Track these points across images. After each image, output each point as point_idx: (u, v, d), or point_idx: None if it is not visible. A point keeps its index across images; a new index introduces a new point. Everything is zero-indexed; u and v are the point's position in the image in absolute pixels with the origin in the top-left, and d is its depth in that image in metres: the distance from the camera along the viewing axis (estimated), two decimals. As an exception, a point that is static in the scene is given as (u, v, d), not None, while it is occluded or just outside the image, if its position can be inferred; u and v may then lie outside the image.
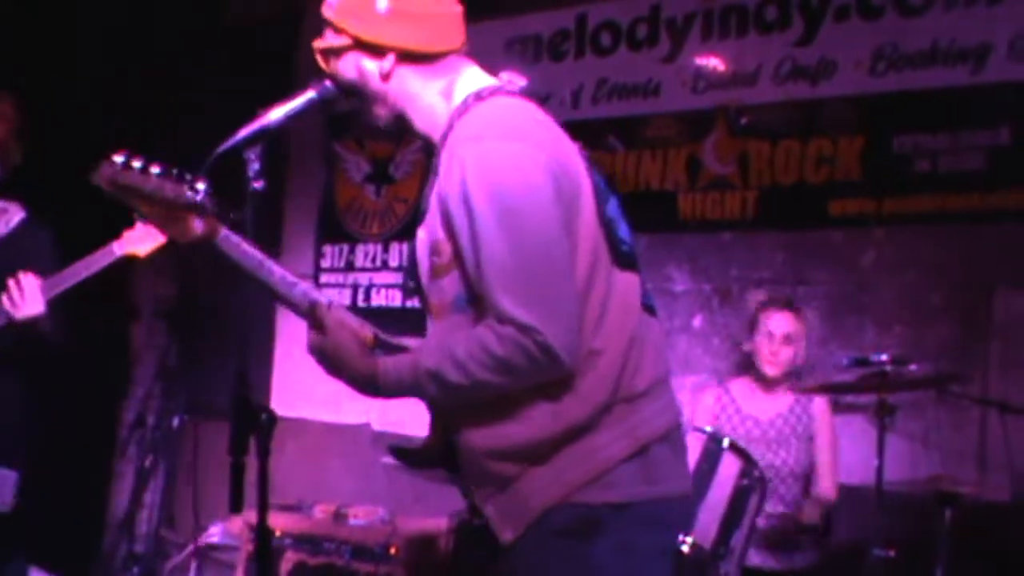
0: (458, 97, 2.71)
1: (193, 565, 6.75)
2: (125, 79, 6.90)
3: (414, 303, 6.75)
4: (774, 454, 4.82)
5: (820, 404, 4.97)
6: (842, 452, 5.05)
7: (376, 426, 6.80)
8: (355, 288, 6.98)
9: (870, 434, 4.77)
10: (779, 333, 4.92)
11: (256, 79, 7.41)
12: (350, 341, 2.66)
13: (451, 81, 2.74)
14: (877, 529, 4.52)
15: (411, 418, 6.52)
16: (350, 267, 7.02)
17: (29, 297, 3.94)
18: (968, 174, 5.10)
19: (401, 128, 2.81)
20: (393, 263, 6.83)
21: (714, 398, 5.09)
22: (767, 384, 5.01)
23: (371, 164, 7.00)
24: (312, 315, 2.73)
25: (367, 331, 2.76)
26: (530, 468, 2.55)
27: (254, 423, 2.73)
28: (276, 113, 2.81)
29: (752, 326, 5.06)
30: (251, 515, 5.44)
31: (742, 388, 5.11)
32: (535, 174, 2.46)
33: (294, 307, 2.78)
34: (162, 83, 7.29)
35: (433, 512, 5.67)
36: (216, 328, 7.21)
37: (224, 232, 2.74)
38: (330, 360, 2.67)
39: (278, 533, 5.57)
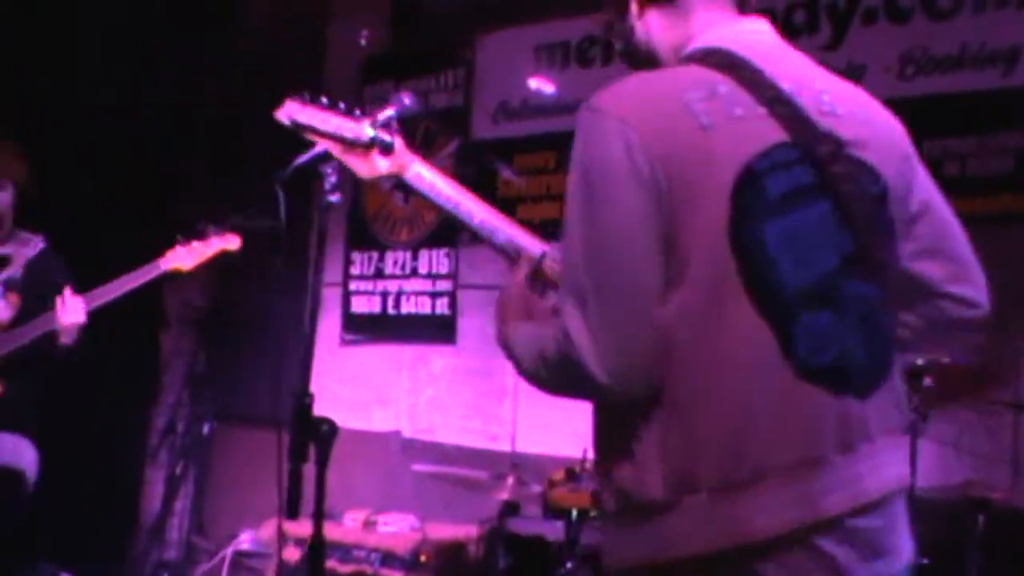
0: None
1: (224, 572, 6.76)
2: (149, 86, 6.92)
3: (443, 310, 6.83)
4: None
5: None
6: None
7: (406, 433, 6.83)
8: (384, 295, 6.99)
9: (901, 440, 4.74)
10: None
11: (282, 86, 7.46)
12: (518, 298, 2.45)
13: (686, 35, 2.28)
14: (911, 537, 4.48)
15: (441, 425, 6.64)
16: (379, 274, 7.03)
17: (72, 307, 4.43)
18: (998, 177, 5.06)
19: None
20: (422, 270, 6.83)
21: None
22: None
23: (399, 171, 6.95)
24: (514, 260, 2.57)
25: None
26: (611, 514, 2.14)
27: (314, 432, 2.75)
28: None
29: None
30: (284, 522, 5.48)
31: None
32: (608, 148, 2.04)
33: (498, 250, 2.64)
34: (187, 90, 7.32)
35: (462, 519, 5.67)
36: (246, 335, 7.25)
37: (415, 168, 2.66)
38: (497, 307, 2.47)
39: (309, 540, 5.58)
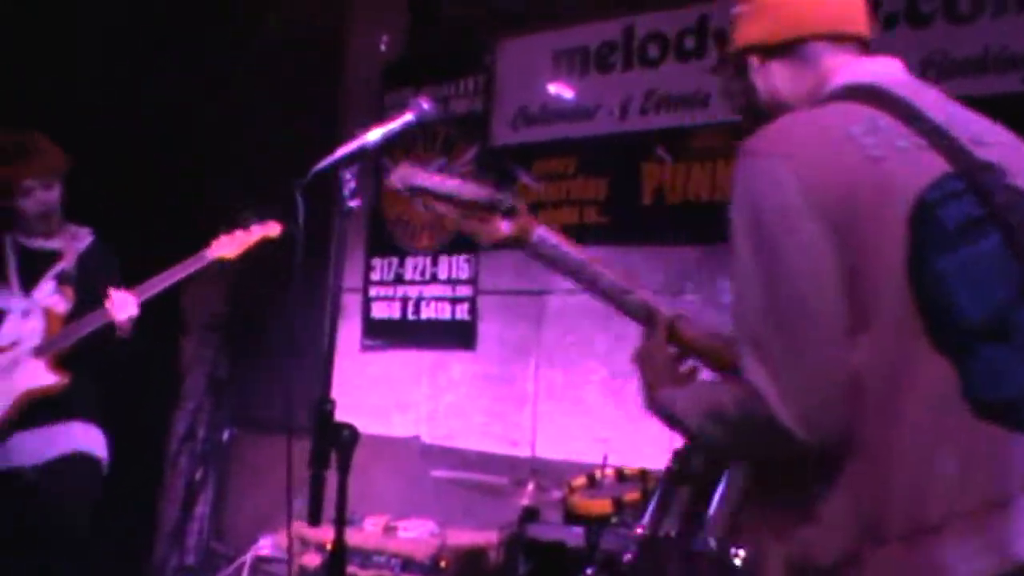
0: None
1: (243, 577, 6.77)
2: (166, 91, 6.95)
3: (463, 316, 6.84)
4: None
5: None
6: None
7: (425, 439, 6.84)
8: (404, 301, 6.99)
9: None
10: None
11: (303, 93, 7.48)
12: (663, 360, 2.43)
13: (819, 79, 2.27)
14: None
15: (461, 430, 6.64)
16: (399, 280, 7.03)
17: (122, 303, 4.56)
18: (1022, 183, 5.03)
19: None
20: (442, 276, 6.83)
21: None
22: None
23: (419, 177, 6.95)
24: (649, 323, 2.54)
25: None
26: None
27: (335, 438, 2.77)
28: (374, 135, 2.90)
29: None
30: (302, 528, 5.49)
31: None
32: (776, 187, 2.00)
33: (629, 314, 2.61)
34: (207, 97, 7.34)
35: (482, 525, 5.67)
36: (266, 341, 7.26)
37: (539, 233, 2.58)
38: (640, 369, 2.44)
39: (328, 546, 5.58)
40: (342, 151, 2.92)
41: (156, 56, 6.89)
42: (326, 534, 5.40)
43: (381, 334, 7.11)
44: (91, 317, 4.63)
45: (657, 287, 5.95)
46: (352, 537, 5.56)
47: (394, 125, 3.00)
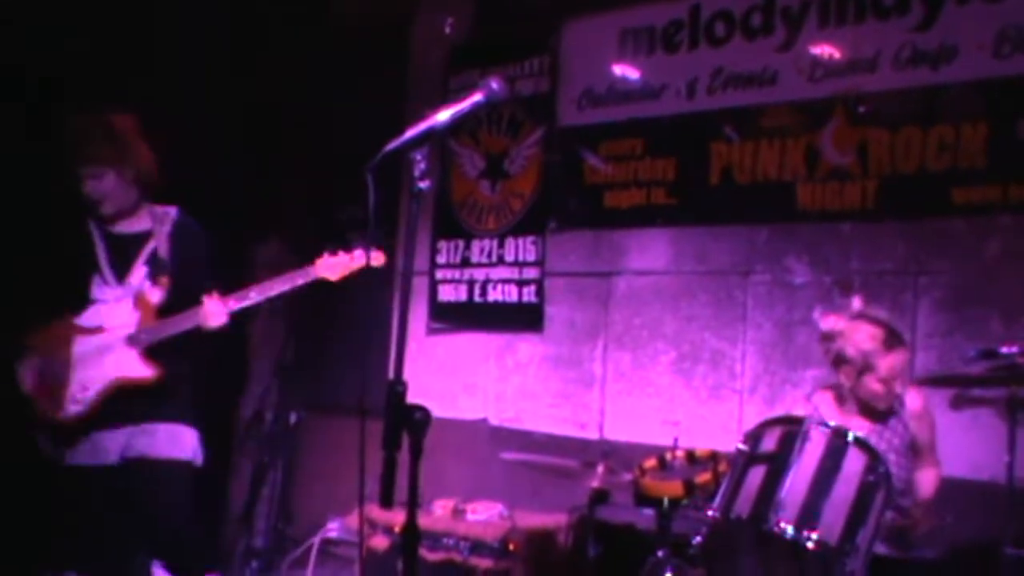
0: None
1: (312, 560, 6.80)
2: (238, 84, 6.98)
3: (529, 298, 6.83)
4: None
5: (914, 398, 4.66)
6: (970, 447, 4.92)
7: (493, 421, 6.86)
8: (471, 284, 6.98)
9: (999, 429, 4.64)
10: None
11: (370, 78, 7.49)
12: None
13: None
14: (1009, 527, 4.38)
15: (529, 413, 6.64)
16: (466, 263, 7.02)
17: (215, 311, 4.57)
18: (1098, 158, 4.94)
19: None
20: (509, 258, 6.82)
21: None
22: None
23: (486, 159, 7.00)
24: None
25: None
26: None
27: (408, 420, 2.78)
28: (444, 115, 2.89)
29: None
30: (371, 511, 5.51)
31: (832, 401, 4.76)
32: None
33: None
34: (276, 86, 7.37)
35: (551, 508, 5.66)
36: (332, 325, 7.28)
37: None
38: None
39: (396, 529, 5.60)
40: (411, 132, 2.91)
41: (238, 52, 6.95)
42: (395, 517, 5.45)
43: (447, 317, 7.11)
44: (183, 317, 4.60)
45: (725, 267, 5.98)
46: (421, 520, 5.55)
47: (463, 105, 2.98)
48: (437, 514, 5.76)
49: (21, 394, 4.72)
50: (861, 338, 4.49)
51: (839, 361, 4.57)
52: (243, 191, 6.73)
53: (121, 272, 4.72)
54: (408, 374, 2.88)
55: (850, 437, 3.90)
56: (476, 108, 2.99)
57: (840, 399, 4.66)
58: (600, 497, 4.84)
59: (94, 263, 4.73)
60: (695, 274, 6.11)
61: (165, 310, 4.68)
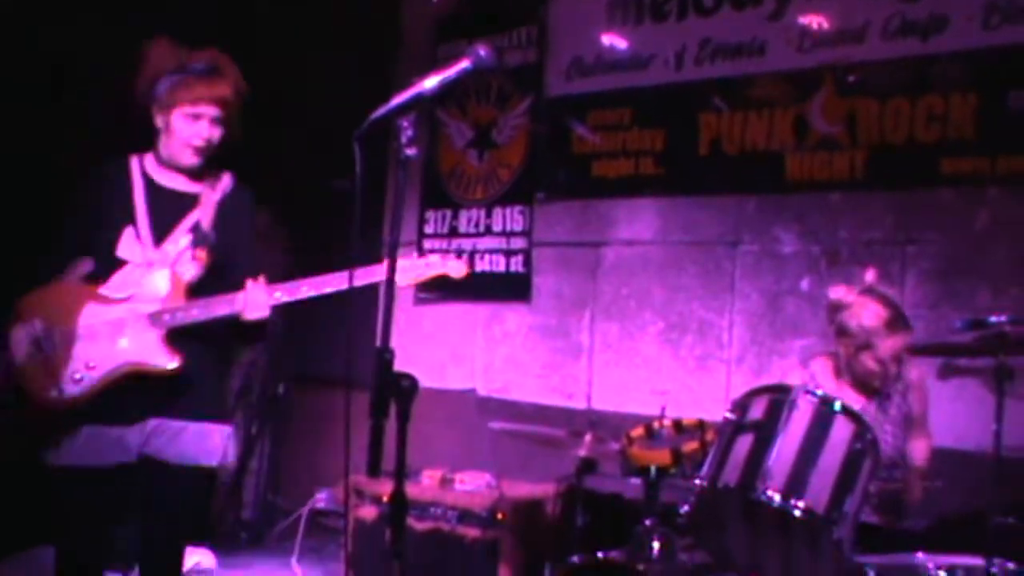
0: None
1: (301, 530, 6.80)
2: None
3: (517, 268, 6.82)
4: None
5: (917, 371, 4.65)
6: (957, 417, 4.93)
7: (481, 391, 6.87)
8: (458, 253, 6.82)
9: (986, 399, 4.64)
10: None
11: (359, 48, 7.45)
12: None
13: None
14: (995, 496, 4.39)
15: (516, 383, 6.65)
16: (453, 232, 7.04)
17: (256, 301, 3.92)
18: (1088, 129, 4.93)
19: None
20: (496, 228, 6.82)
21: (799, 381, 4.61)
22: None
23: (474, 130, 7.00)
24: None
25: None
26: None
27: (395, 387, 2.76)
28: (431, 82, 2.86)
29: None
30: (359, 481, 5.50)
31: (830, 370, 4.74)
32: None
33: None
34: (264, 58, 7.32)
35: (539, 478, 5.65)
36: (322, 297, 7.26)
37: None
38: None
39: (384, 499, 5.60)
40: (399, 99, 2.88)
41: (225, 25, 6.91)
42: (383, 487, 5.44)
43: (435, 287, 7.06)
44: (219, 301, 3.91)
45: (714, 238, 5.97)
46: (409, 490, 5.50)
47: (451, 72, 2.95)
48: (425, 484, 5.75)
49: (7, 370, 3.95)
50: (866, 315, 4.47)
51: (841, 333, 4.55)
52: (232, 163, 6.68)
53: (160, 233, 3.98)
54: (396, 344, 2.85)
55: (837, 406, 3.88)
56: (464, 75, 2.96)
57: (838, 370, 4.66)
58: (588, 466, 4.81)
59: (130, 213, 3.98)
60: (683, 244, 6.12)
61: (196, 290, 3.96)
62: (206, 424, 3.99)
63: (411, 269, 4.16)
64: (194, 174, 4.06)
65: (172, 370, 3.87)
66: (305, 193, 7.50)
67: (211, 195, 4.07)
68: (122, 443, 3.89)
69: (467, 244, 6.97)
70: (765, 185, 5.78)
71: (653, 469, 4.52)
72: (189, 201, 4.04)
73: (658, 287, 6.19)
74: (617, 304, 6.35)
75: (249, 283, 3.93)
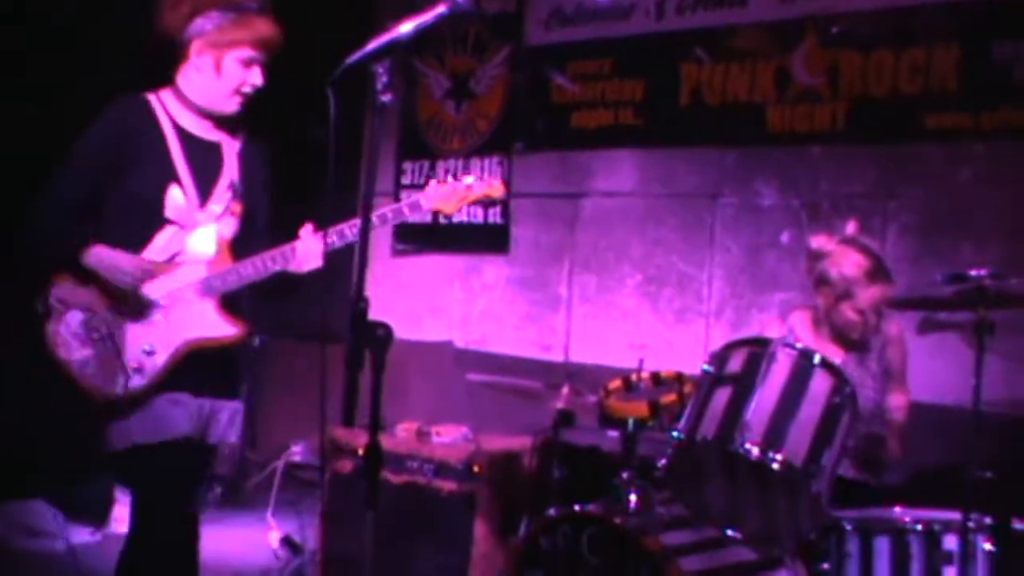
0: None
1: (276, 484, 6.78)
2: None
3: (495, 219, 6.78)
4: None
5: (896, 325, 4.63)
6: (936, 372, 4.93)
7: (458, 343, 6.86)
8: None
9: (965, 354, 4.61)
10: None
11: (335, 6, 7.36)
12: None
13: None
14: (974, 451, 4.38)
15: (494, 335, 6.62)
16: (430, 184, 6.95)
17: (310, 251, 3.64)
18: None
19: None
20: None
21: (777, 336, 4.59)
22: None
23: (451, 79, 6.96)
24: None
25: None
26: None
27: (370, 337, 2.72)
28: (406, 27, 2.82)
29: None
30: (335, 434, 5.46)
31: (808, 323, 4.69)
32: None
33: None
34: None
35: (517, 430, 5.57)
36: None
37: None
38: None
39: (360, 452, 5.56)
40: (374, 44, 2.83)
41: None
42: (359, 439, 5.40)
43: (412, 239, 7.05)
44: (268, 258, 3.62)
45: (693, 190, 5.95)
46: (384, 443, 5.50)
47: (427, 17, 2.90)
48: (401, 437, 5.68)
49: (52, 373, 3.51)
50: (847, 264, 4.42)
51: (820, 282, 4.50)
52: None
53: (205, 190, 3.62)
54: (373, 296, 2.83)
55: (816, 359, 3.86)
56: (440, 20, 2.91)
57: (816, 322, 4.61)
58: (565, 419, 4.80)
59: (170, 167, 3.56)
60: (663, 197, 6.09)
61: (233, 249, 3.66)
62: (237, 403, 3.79)
63: (452, 194, 3.90)
64: (220, 122, 3.69)
65: (236, 339, 3.64)
66: (278, 142, 7.42)
67: (233, 144, 3.74)
68: (188, 412, 3.57)
69: (445, 195, 6.86)
70: (746, 137, 5.76)
71: (631, 422, 4.47)
72: (217, 152, 3.69)
73: (637, 239, 6.17)
74: (596, 256, 6.34)
75: (303, 232, 3.66)
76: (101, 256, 3.48)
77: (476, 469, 5.30)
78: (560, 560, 4.16)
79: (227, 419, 3.74)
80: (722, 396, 3.83)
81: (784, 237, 5.68)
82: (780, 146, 5.68)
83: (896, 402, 4.62)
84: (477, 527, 5.21)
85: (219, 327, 3.59)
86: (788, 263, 5.64)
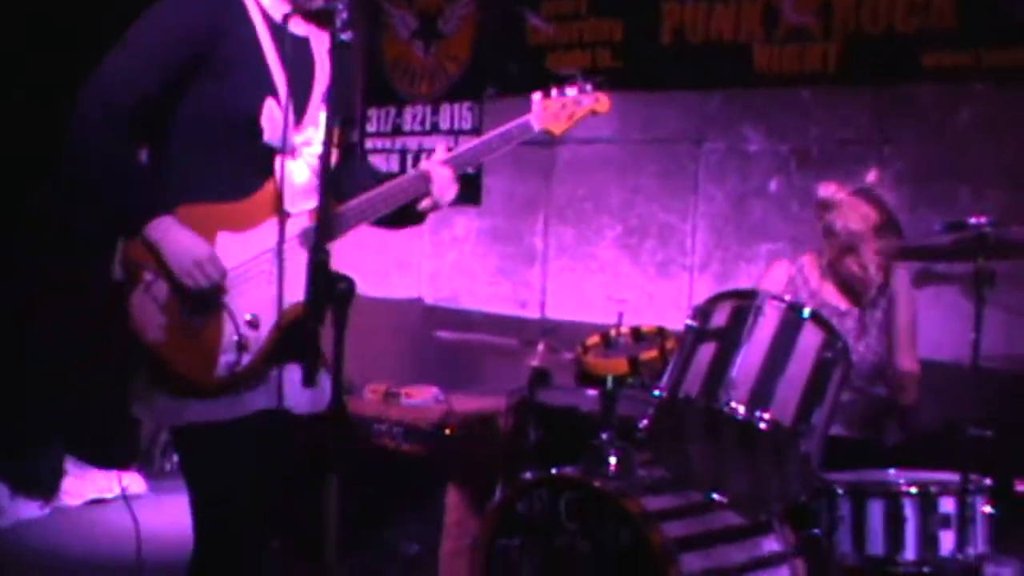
0: None
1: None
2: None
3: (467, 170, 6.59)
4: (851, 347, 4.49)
5: (903, 277, 4.57)
6: (933, 326, 4.80)
7: (428, 300, 6.82)
8: (403, 153, 6.91)
9: (963, 307, 4.50)
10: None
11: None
12: None
13: None
14: (972, 407, 4.28)
15: (464, 291, 6.52)
16: (397, 131, 6.94)
17: (448, 180, 3.11)
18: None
19: None
20: (444, 126, 6.73)
21: (786, 276, 4.67)
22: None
23: (419, 19, 6.86)
24: None
25: None
26: None
27: (331, 291, 2.57)
28: None
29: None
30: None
31: (814, 267, 4.65)
32: None
33: None
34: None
35: (490, 391, 5.52)
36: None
37: None
38: None
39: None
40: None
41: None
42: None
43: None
44: (397, 190, 3.12)
45: (676, 135, 5.87)
46: (351, 406, 5.45)
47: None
48: (368, 399, 5.61)
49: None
50: (855, 217, 4.36)
51: (827, 233, 4.45)
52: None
53: (300, 106, 2.97)
54: (336, 251, 2.68)
55: (806, 312, 3.78)
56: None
57: (823, 268, 4.57)
58: (541, 377, 4.73)
59: (266, 75, 2.91)
60: (643, 143, 6.00)
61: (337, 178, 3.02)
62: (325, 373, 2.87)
63: (561, 111, 3.42)
64: (309, 14, 2.98)
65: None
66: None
67: (323, 45, 3.00)
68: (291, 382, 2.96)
69: (412, 143, 6.86)
70: (731, 79, 5.66)
71: (609, 379, 4.35)
72: (308, 55, 3.00)
73: (616, 189, 6.08)
74: (572, 207, 6.25)
75: (436, 160, 3.17)
76: (175, 234, 2.81)
77: (448, 432, 5.23)
78: (537, 526, 4.06)
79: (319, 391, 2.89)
80: (706, 352, 3.72)
81: (772, 185, 5.58)
82: (768, 88, 5.57)
83: (901, 366, 4.53)
84: (449, 493, 5.15)
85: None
86: (776, 212, 5.56)
